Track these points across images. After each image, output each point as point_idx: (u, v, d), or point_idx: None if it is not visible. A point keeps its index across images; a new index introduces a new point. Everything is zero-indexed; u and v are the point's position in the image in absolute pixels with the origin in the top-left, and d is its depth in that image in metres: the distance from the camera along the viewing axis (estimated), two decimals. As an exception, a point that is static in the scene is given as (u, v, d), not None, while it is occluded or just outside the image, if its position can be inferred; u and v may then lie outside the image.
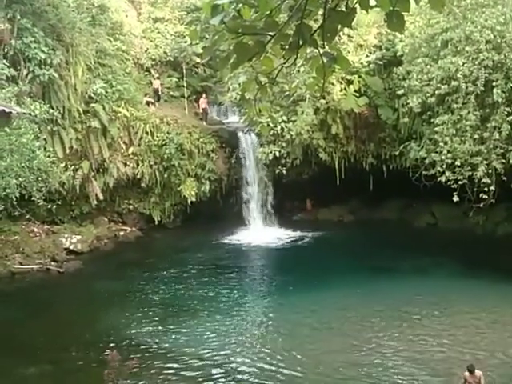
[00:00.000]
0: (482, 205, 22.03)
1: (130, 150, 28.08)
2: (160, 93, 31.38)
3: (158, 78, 32.11)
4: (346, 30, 23.74)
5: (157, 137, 28.17)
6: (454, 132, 22.01)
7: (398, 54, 25.29)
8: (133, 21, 32.46)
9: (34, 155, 19.71)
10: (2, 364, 14.39)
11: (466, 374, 11.88)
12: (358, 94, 26.73)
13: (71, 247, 25.09)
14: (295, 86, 24.53)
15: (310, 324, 16.69)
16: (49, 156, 20.96)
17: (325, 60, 3.97)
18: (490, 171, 21.64)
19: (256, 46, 3.82)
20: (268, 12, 3.77)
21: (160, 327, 16.85)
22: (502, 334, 15.42)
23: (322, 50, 3.94)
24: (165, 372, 13.95)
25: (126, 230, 29.00)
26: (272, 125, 26.28)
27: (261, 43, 3.82)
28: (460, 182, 21.57)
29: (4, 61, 22.32)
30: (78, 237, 25.72)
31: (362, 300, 18.52)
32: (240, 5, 3.80)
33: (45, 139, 23.01)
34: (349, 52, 26.58)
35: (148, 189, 29.04)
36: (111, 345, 15.44)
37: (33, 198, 20.95)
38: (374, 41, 27.49)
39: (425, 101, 23.02)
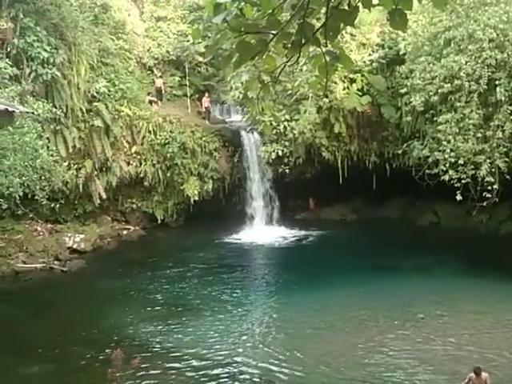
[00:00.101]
0: (485, 203, 22.02)
1: (133, 149, 28.09)
2: (163, 92, 31.39)
3: (161, 76, 32.11)
4: (348, 28, 23.68)
5: (160, 136, 28.18)
6: (457, 131, 21.99)
7: (401, 53, 25.25)
8: (135, 20, 32.49)
9: (37, 154, 19.72)
10: (6, 362, 14.41)
11: (472, 375, 11.62)
12: (360, 93, 26.73)
13: (74, 246, 25.12)
14: (298, 84, 24.52)
15: (313, 323, 16.68)
16: (52, 155, 20.99)
17: (327, 59, 3.98)
18: (493, 170, 21.62)
19: (258, 44, 3.82)
20: (270, 10, 3.78)
21: (163, 326, 16.86)
22: (505, 333, 15.40)
23: (324, 49, 3.94)
24: (168, 371, 13.97)
25: (129, 228, 29.02)
26: (275, 124, 26.27)
27: (263, 42, 3.82)
28: (463, 181, 21.56)
29: (7, 60, 22.32)
30: (82, 236, 25.75)
31: (365, 299, 18.51)
32: (242, 3, 3.80)
33: (48, 138, 23.04)
34: (351, 51, 26.55)
35: (151, 188, 29.07)
36: (115, 343, 15.46)
37: (36, 197, 20.99)
38: (377, 39, 27.46)
39: (428, 99, 22.99)
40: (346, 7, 3.84)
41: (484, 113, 21.88)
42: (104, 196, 27.26)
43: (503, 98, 21.14)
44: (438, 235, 26.50)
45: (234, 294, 19.79)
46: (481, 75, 21.34)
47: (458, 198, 21.63)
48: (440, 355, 14.14)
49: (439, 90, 22.40)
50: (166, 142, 28.05)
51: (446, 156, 21.97)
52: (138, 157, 28.18)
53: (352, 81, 26.82)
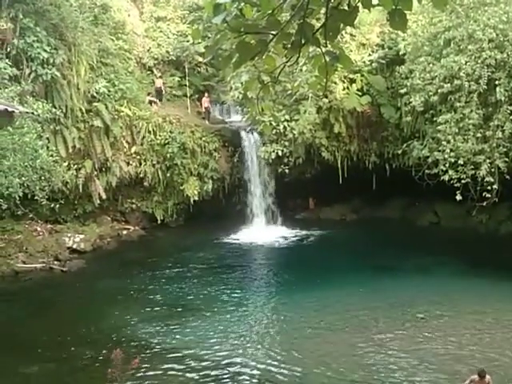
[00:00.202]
0: (485, 203, 22.05)
1: (133, 149, 28.09)
2: (163, 92, 31.40)
3: (161, 77, 32.12)
4: (348, 28, 23.70)
5: (159, 136, 28.18)
6: (457, 131, 22.01)
7: (401, 53, 25.28)
8: (135, 20, 32.49)
9: (37, 154, 19.72)
10: (5, 362, 14.41)
11: (475, 377, 11.41)
12: (360, 93, 26.77)
13: (74, 246, 25.12)
14: (298, 84, 24.52)
15: (313, 323, 16.68)
16: (52, 155, 20.98)
17: (327, 59, 3.98)
18: (493, 170, 21.64)
19: (258, 44, 3.83)
20: (270, 11, 3.78)
21: (163, 326, 16.86)
22: (505, 333, 15.40)
23: (324, 49, 3.95)
24: (168, 371, 13.97)
25: (128, 229, 29.02)
26: (274, 124, 26.29)
27: (263, 42, 3.82)
28: (463, 181, 21.58)
29: (7, 60, 22.33)
30: (81, 236, 25.75)
31: (364, 299, 18.51)
32: (242, 4, 3.81)
33: (48, 138, 23.04)
34: (351, 51, 26.57)
35: (151, 188, 29.07)
36: (114, 343, 15.45)
37: (36, 197, 20.98)
38: (377, 39, 27.50)
39: (427, 99, 23.02)
40: (346, 7, 3.84)
41: (484, 113, 21.90)
42: (104, 196, 27.26)
43: (503, 98, 21.16)
44: (438, 235, 26.51)
45: (234, 294, 19.79)
46: (480, 75, 21.36)
47: (458, 198, 21.66)
48: (440, 355, 14.14)
49: (439, 90, 22.42)
50: (166, 142, 28.05)
51: (446, 156, 21.99)
52: (138, 157, 28.18)
53: (352, 81, 26.85)
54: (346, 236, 27.14)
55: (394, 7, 3.68)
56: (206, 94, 31.87)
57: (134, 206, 29.27)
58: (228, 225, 28.46)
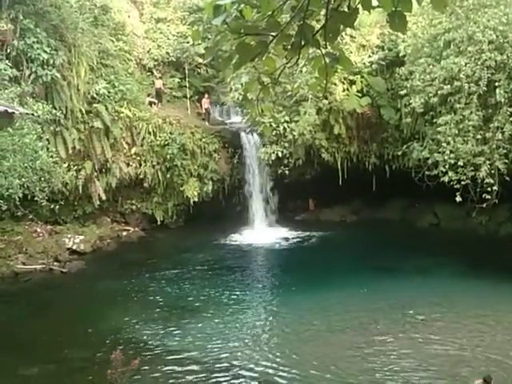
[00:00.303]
0: (484, 205, 22.04)
1: (133, 150, 28.10)
2: (162, 93, 31.39)
3: (161, 78, 32.13)
4: (348, 30, 23.74)
5: (159, 137, 28.19)
6: (457, 132, 22.00)
7: (401, 55, 25.29)
8: (135, 21, 32.49)
9: (37, 155, 19.72)
10: (5, 363, 14.40)
11: (480, 381, 11.32)
12: (360, 95, 26.78)
13: (74, 247, 25.11)
14: (298, 86, 24.53)
15: (313, 324, 16.68)
16: (52, 156, 20.98)
17: (327, 60, 3.99)
18: (492, 171, 21.63)
19: (258, 46, 3.83)
20: (270, 12, 3.79)
21: (163, 327, 16.86)
22: (505, 334, 15.39)
23: (324, 51, 3.95)
24: (167, 372, 13.96)
25: (128, 230, 29.01)
26: (274, 125, 26.29)
27: (263, 43, 3.83)
28: (463, 182, 21.57)
29: (7, 61, 22.33)
30: (81, 237, 25.74)
31: (364, 300, 18.51)
32: (242, 5, 3.81)
33: (48, 139, 23.06)
34: (351, 52, 26.59)
35: (151, 189, 29.07)
36: (114, 345, 15.42)
37: (36, 199, 20.98)
38: (377, 41, 27.51)
39: (427, 101, 23.02)
40: (346, 9, 3.84)
41: (483, 114, 21.89)
42: (104, 197, 27.26)
43: (503, 100, 21.15)
44: (438, 236, 26.51)
45: (234, 296, 19.78)
46: (480, 77, 21.36)
47: (458, 199, 21.65)
48: (440, 357, 14.13)
49: (439, 92, 22.42)
50: (166, 143, 28.05)
51: (446, 157, 21.98)
52: (138, 158, 28.19)
53: (352, 82, 26.87)
54: (346, 237, 27.14)
55: (393, 9, 3.68)
56: (206, 95, 31.88)
57: (133, 207, 29.27)
58: (228, 226, 28.46)
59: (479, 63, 21.38)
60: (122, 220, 29.51)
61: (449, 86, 22.08)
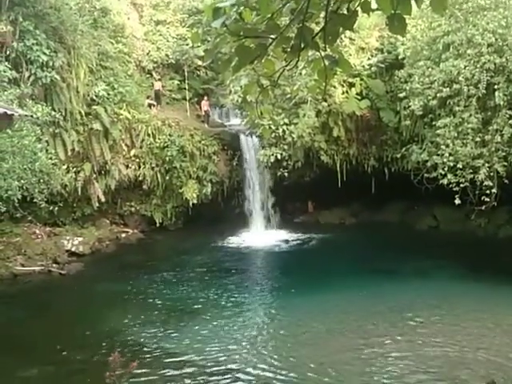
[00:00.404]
0: (483, 207, 22.06)
1: (132, 152, 28.11)
2: (161, 95, 31.40)
3: (160, 79, 32.16)
4: (347, 32, 23.79)
5: (159, 139, 28.20)
6: (456, 135, 22.02)
7: (400, 57, 25.33)
8: (135, 23, 32.53)
9: (36, 157, 19.73)
10: (4, 365, 14.38)
11: None
12: (359, 97, 26.81)
13: (73, 249, 25.08)
14: (297, 88, 24.54)
15: (312, 327, 16.66)
16: (51, 158, 21.00)
17: (326, 63, 3.99)
18: (491, 174, 21.65)
19: (258, 48, 3.83)
20: (269, 15, 3.79)
21: (162, 329, 16.84)
22: (504, 337, 15.38)
23: (323, 53, 3.95)
24: (166, 375, 13.94)
25: (127, 232, 29.01)
26: (274, 127, 26.30)
27: (262, 46, 3.83)
28: (462, 185, 21.58)
29: (6, 63, 22.34)
30: (80, 239, 25.73)
31: (363, 303, 18.50)
32: (242, 8, 3.81)
33: (47, 141, 23.06)
34: (350, 55, 26.61)
35: (150, 191, 29.08)
36: (113, 347, 15.41)
37: (35, 200, 20.99)
38: (376, 44, 27.54)
39: (426, 104, 23.04)
40: (345, 12, 3.85)
41: (483, 117, 21.91)
42: (103, 199, 27.26)
43: (502, 103, 21.17)
44: (437, 239, 26.51)
45: (232, 298, 19.77)
46: (479, 80, 21.38)
47: (457, 201, 21.65)
48: (439, 360, 14.11)
49: (438, 95, 22.44)
50: (165, 145, 28.07)
51: (445, 160, 22.00)
52: (137, 160, 28.20)
53: (351, 85, 26.90)
54: (345, 240, 27.13)
55: (393, 12, 3.69)
56: (206, 98, 31.93)
57: (132, 209, 29.28)
58: (227, 228, 28.46)
59: (478, 66, 21.41)
60: (121, 222, 29.52)
61: (448, 89, 22.11)
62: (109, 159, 27.23)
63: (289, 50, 3.90)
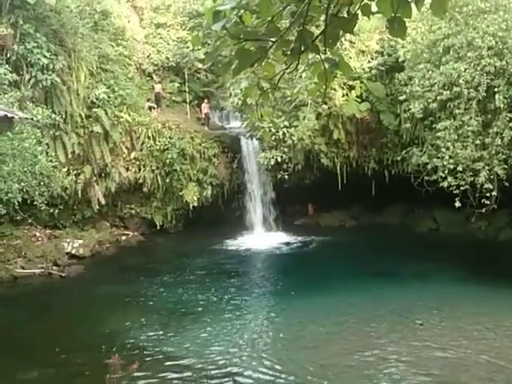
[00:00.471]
0: (484, 210, 22.05)
1: (132, 155, 28.13)
2: (161, 97, 31.42)
3: (160, 82, 32.19)
4: (347, 35, 23.78)
5: (159, 142, 28.22)
6: (456, 137, 22.03)
7: (400, 60, 25.34)
8: (135, 26, 32.60)
9: (37, 160, 19.74)
10: (4, 367, 14.37)
11: None
12: (359, 100, 26.81)
13: (73, 252, 25.08)
14: (297, 91, 24.57)
15: (312, 329, 16.64)
16: (51, 161, 21.01)
17: (327, 66, 4.00)
18: (491, 177, 21.65)
19: (258, 51, 3.84)
20: (270, 18, 3.80)
21: (162, 332, 16.82)
22: (504, 340, 15.37)
23: (323, 56, 3.96)
24: (166, 378, 13.92)
25: (127, 234, 29.01)
26: (274, 130, 26.32)
27: (262, 49, 3.84)
28: (462, 188, 21.59)
29: (6, 66, 22.38)
30: (80, 241, 25.72)
31: (363, 305, 18.47)
32: (242, 11, 3.82)
33: (47, 144, 23.09)
34: (351, 58, 26.63)
35: (150, 193, 29.09)
36: (113, 349, 15.41)
37: (35, 203, 21.01)
38: (376, 47, 27.56)
39: (427, 106, 23.05)
40: (346, 15, 3.86)
41: (483, 120, 21.92)
42: (103, 202, 27.28)
43: (502, 105, 21.18)
44: (437, 242, 26.49)
45: (233, 301, 19.75)
46: (480, 82, 21.39)
47: (457, 204, 21.66)
48: (440, 362, 14.09)
49: (438, 97, 22.45)
50: (165, 147, 28.09)
51: (445, 163, 22.00)
52: (137, 163, 28.22)
53: (351, 88, 26.90)
54: (345, 242, 27.12)
55: (393, 14, 3.70)
56: (206, 100, 31.96)
57: (133, 211, 29.29)
58: (227, 231, 28.47)
59: (478, 69, 21.42)
60: (122, 224, 29.52)
61: (448, 92, 22.11)
62: (109, 162, 27.24)
63: (289, 52, 3.91)
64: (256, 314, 18.87)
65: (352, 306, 18.45)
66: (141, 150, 28.26)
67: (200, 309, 18.96)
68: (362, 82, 26.93)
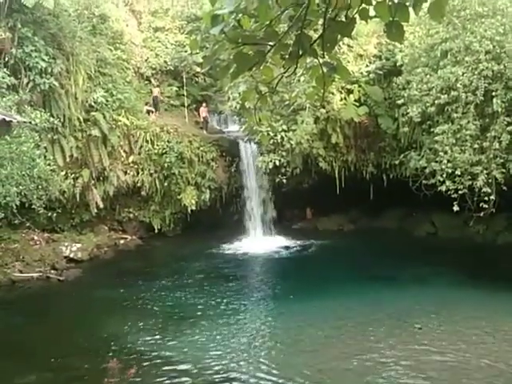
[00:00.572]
0: (482, 214, 22.07)
1: (130, 159, 28.12)
2: (160, 102, 31.44)
3: (158, 86, 32.22)
4: (345, 39, 23.84)
5: (157, 145, 28.22)
6: (454, 141, 22.05)
7: (398, 64, 25.39)
8: (133, 30, 32.62)
9: (35, 163, 19.73)
10: (2, 371, 14.33)
11: None
12: (357, 104, 26.85)
13: (71, 255, 25.05)
14: (295, 95, 24.59)
15: (310, 333, 16.62)
16: (49, 164, 20.99)
17: (325, 70, 4.00)
18: (490, 181, 21.68)
19: (256, 55, 3.84)
20: (268, 22, 3.80)
21: (160, 336, 16.79)
22: (503, 343, 15.37)
23: (321, 60, 3.96)
24: (164, 382, 13.88)
25: (126, 238, 28.99)
26: (272, 134, 26.31)
27: (261, 53, 3.84)
28: (460, 192, 21.60)
29: (5, 69, 22.39)
30: (78, 245, 25.70)
31: (362, 309, 18.46)
32: (240, 15, 3.83)
33: (45, 147, 23.07)
34: (349, 62, 26.68)
35: (148, 197, 29.07)
36: (111, 353, 15.40)
37: (33, 206, 20.98)
38: (374, 51, 27.62)
39: (425, 110, 23.08)
40: (344, 19, 3.86)
41: (481, 124, 21.96)
42: (101, 205, 27.25)
43: (500, 109, 21.22)
44: (435, 245, 26.50)
45: (231, 305, 19.73)
46: (477, 86, 21.43)
47: (455, 208, 21.68)
48: (439, 366, 14.08)
49: (436, 101, 22.48)
50: (164, 151, 28.09)
51: (443, 167, 22.02)
52: (136, 166, 28.21)
53: (349, 92, 26.95)
54: (344, 246, 27.12)
55: (391, 19, 3.71)
56: (204, 104, 31.98)
57: (131, 215, 29.27)
58: (225, 234, 28.45)
59: (476, 73, 21.46)
60: (120, 228, 29.50)
61: (446, 96, 22.15)
62: (107, 165, 27.24)
63: (287, 56, 3.91)
64: (254, 318, 18.85)
65: (350, 310, 18.43)
66: (139, 153, 28.26)
67: (198, 313, 18.93)
68: (360, 86, 26.98)
